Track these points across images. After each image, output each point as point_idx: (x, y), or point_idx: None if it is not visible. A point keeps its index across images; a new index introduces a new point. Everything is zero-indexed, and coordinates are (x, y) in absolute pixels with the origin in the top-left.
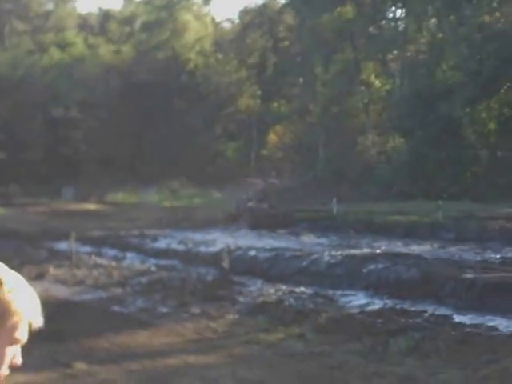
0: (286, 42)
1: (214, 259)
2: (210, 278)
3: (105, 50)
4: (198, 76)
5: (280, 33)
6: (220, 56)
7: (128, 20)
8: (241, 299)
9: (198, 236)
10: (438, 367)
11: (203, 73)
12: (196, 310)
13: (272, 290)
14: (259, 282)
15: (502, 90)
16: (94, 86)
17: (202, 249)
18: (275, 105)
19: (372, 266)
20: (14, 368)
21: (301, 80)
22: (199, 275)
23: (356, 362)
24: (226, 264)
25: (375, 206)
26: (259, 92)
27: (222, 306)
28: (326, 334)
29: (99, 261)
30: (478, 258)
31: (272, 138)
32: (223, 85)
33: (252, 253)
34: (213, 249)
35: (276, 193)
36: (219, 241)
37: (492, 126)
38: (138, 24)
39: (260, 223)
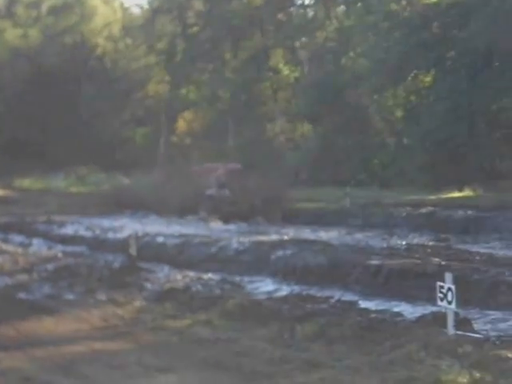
0: (195, 28)
1: (121, 246)
2: (117, 264)
3: (11, 34)
4: (107, 61)
5: (189, 19)
6: (129, 41)
7: (35, 3)
8: (148, 286)
9: (105, 222)
10: (343, 353)
11: (112, 58)
12: (103, 296)
13: (179, 277)
14: (167, 269)
15: (409, 78)
16: (0, 70)
17: (110, 235)
18: (184, 91)
19: (280, 253)
20: None
21: (210, 66)
22: (106, 262)
23: (262, 348)
24: (133, 250)
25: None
26: (168, 78)
27: (128, 293)
28: (233, 321)
29: (5, 247)
30: (385, 245)
31: (181, 124)
32: (132, 70)
33: (160, 239)
34: (120, 235)
35: (238, 178)
36: (127, 227)
37: (399, 113)
38: (44, 8)
39: (221, 212)
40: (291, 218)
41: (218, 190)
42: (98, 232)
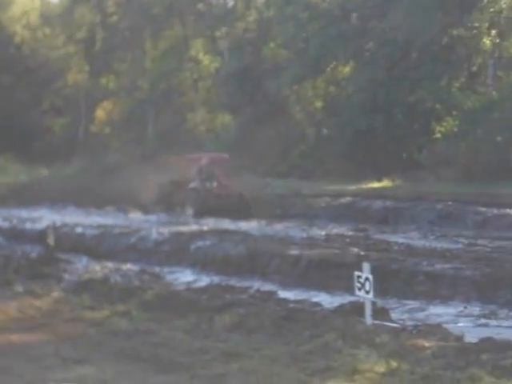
0: (115, 18)
1: (39, 236)
2: (34, 255)
3: None
4: (25, 50)
5: (108, 8)
6: (47, 30)
7: None
8: (66, 277)
9: (23, 213)
10: (262, 343)
11: (30, 47)
12: (20, 287)
13: (98, 268)
14: (85, 260)
15: (328, 69)
16: None
17: (28, 226)
18: (104, 80)
19: (199, 243)
20: None
21: (129, 56)
22: (24, 253)
23: (181, 339)
24: (51, 241)
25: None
26: (87, 67)
27: (46, 284)
28: (152, 312)
29: None
30: (304, 235)
31: (100, 113)
32: (51, 59)
33: (79, 230)
34: (39, 226)
35: (225, 169)
36: (45, 218)
37: (318, 104)
38: None
39: (209, 208)
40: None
41: (203, 182)
42: (15, 222)
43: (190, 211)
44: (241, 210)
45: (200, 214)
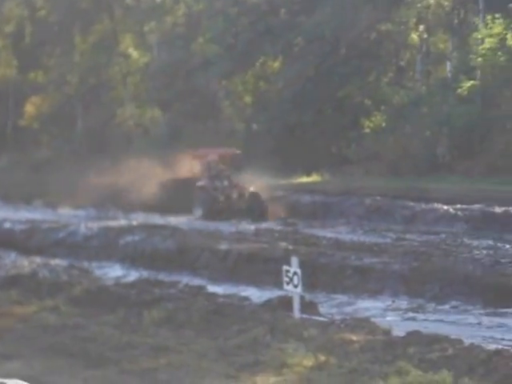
0: (43, 12)
1: None
2: None
3: None
4: None
5: (37, 2)
6: None
7: None
8: None
9: None
10: (190, 337)
11: None
12: None
13: (26, 263)
14: (14, 255)
15: (258, 64)
16: None
17: None
18: (32, 75)
19: (128, 238)
20: None
21: (58, 50)
22: None
23: (110, 334)
24: None
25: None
26: (16, 62)
27: None
28: (81, 307)
29: None
30: (233, 230)
31: (29, 108)
32: None
33: (7, 225)
34: None
35: (238, 166)
36: None
37: (248, 99)
38: None
39: (219, 209)
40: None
41: (211, 180)
42: None
43: (198, 212)
44: (255, 212)
45: (209, 215)
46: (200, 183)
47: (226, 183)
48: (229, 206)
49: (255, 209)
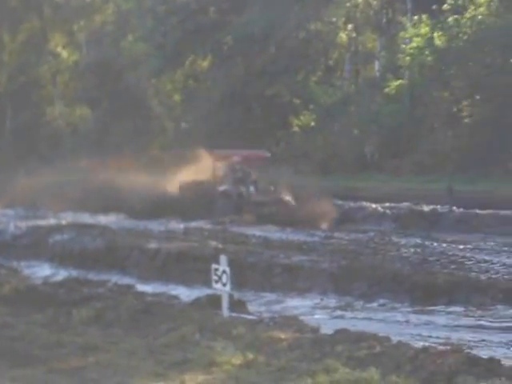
0: None
1: None
2: None
3: None
4: None
5: None
6: None
7: None
8: None
9: None
10: (119, 336)
11: None
12: None
13: None
14: None
15: (187, 63)
16: None
17: None
18: None
19: (57, 237)
20: None
21: None
22: None
23: (38, 333)
24: None
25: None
26: None
27: None
28: (9, 306)
29: None
30: (162, 229)
31: None
32: None
33: None
34: None
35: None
36: None
37: (177, 97)
38: None
39: (246, 217)
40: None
41: (236, 185)
42: None
43: (221, 219)
44: (286, 220)
45: (235, 222)
46: (223, 188)
47: (252, 189)
48: (257, 215)
49: (287, 217)
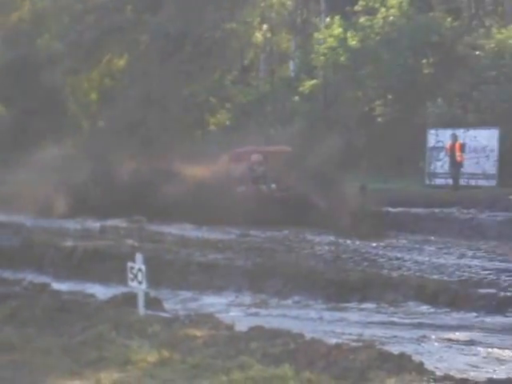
0: None
1: None
2: None
3: None
4: None
5: None
6: None
7: None
8: None
9: None
10: (34, 335)
11: None
12: None
13: None
14: None
15: (104, 61)
16: None
17: None
18: None
19: None
20: None
21: None
22: None
23: None
24: None
25: None
26: None
27: None
28: None
29: None
30: (78, 227)
31: None
32: None
33: None
34: None
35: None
36: None
37: (93, 96)
38: None
39: (266, 217)
40: None
41: (255, 184)
42: None
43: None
44: (312, 220)
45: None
46: (240, 188)
47: (273, 186)
48: (279, 214)
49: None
